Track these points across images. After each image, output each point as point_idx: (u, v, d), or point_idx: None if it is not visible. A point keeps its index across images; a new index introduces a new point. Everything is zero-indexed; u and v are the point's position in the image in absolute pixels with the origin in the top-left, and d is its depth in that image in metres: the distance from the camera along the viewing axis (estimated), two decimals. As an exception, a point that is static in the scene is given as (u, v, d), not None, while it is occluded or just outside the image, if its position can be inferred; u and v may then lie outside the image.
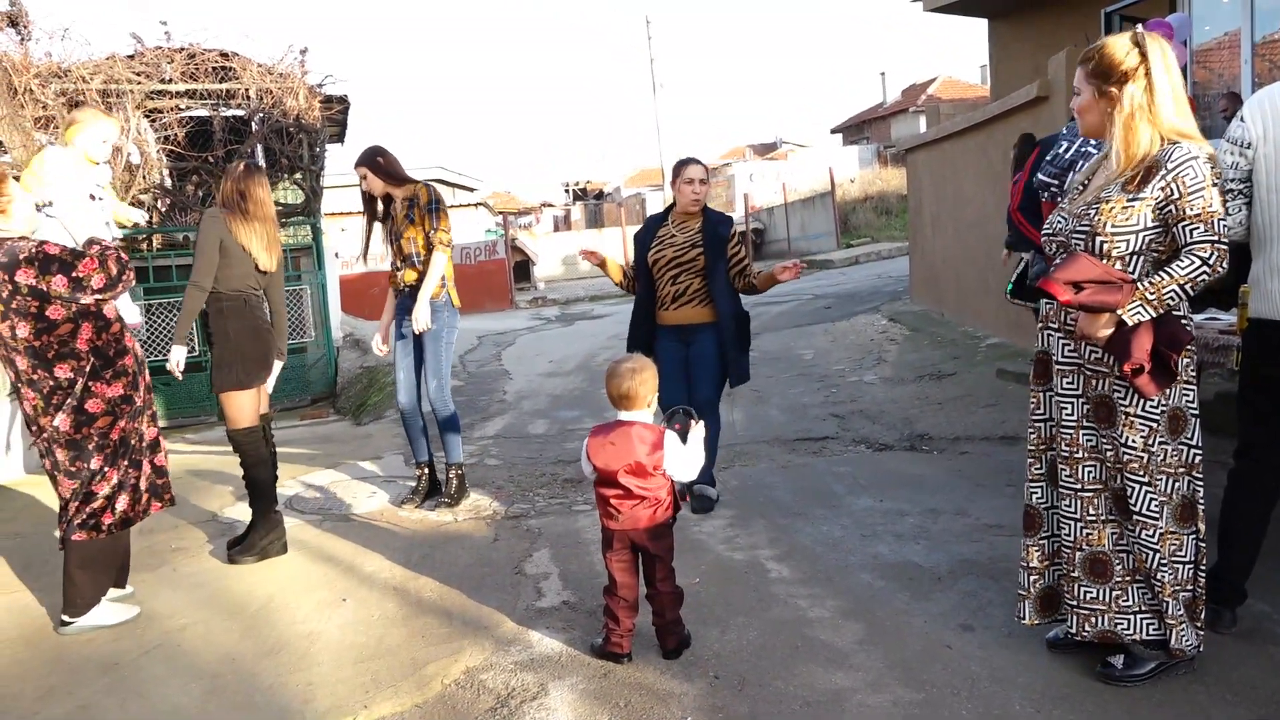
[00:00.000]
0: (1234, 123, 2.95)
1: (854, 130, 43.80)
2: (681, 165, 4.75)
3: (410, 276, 4.91)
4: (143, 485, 3.74)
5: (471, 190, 28.63)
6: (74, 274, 3.36)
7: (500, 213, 28.95)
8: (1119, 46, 2.64)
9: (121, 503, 3.63)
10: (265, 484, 4.39)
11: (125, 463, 3.62)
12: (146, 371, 3.81)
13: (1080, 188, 2.82)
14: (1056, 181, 3.73)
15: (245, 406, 4.35)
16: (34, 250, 3.34)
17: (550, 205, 46.41)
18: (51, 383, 3.44)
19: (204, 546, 4.61)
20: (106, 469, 3.55)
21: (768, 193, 32.84)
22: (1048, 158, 3.86)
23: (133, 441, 3.65)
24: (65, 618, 3.60)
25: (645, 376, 3.06)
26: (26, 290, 3.34)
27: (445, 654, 3.25)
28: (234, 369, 4.29)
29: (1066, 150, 3.71)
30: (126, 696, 3.09)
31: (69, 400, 3.45)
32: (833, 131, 45.68)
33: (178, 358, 4.33)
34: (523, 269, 24.96)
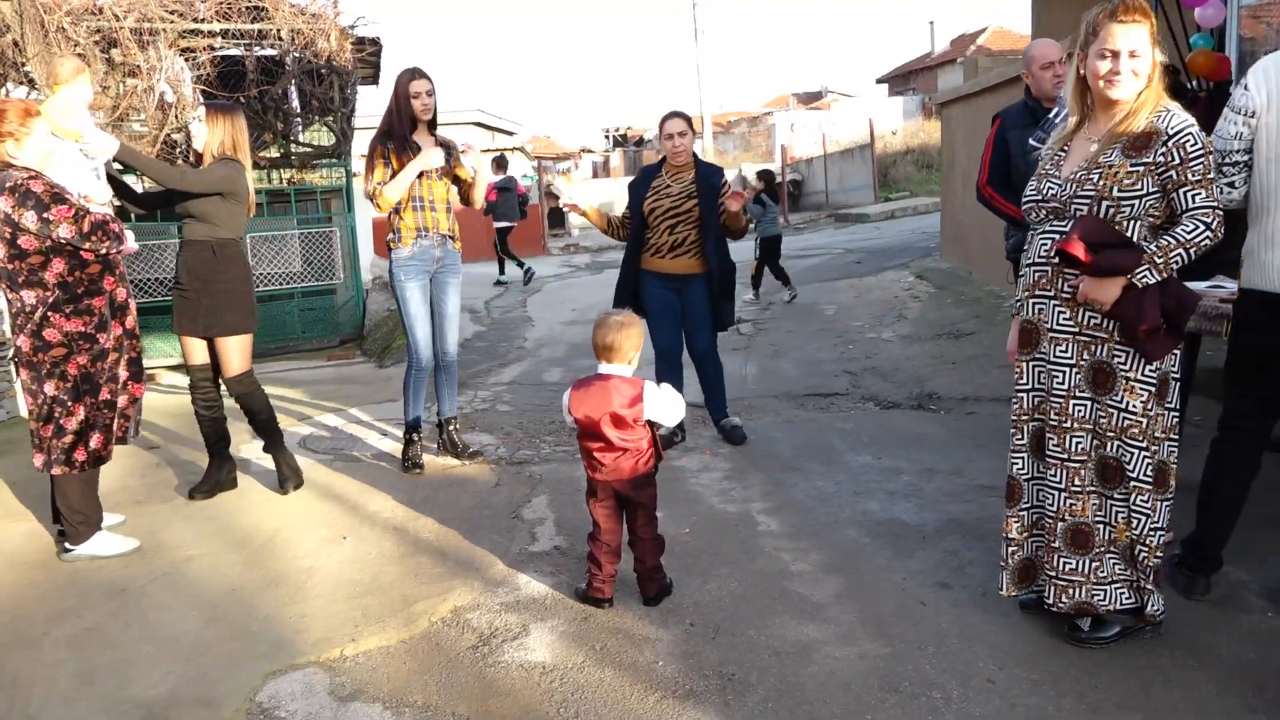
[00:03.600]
0: (1238, 91, 2.89)
1: (900, 81, 42.87)
2: (664, 120, 4.89)
3: (445, 223, 4.77)
4: (115, 426, 3.85)
5: (511, 134, 28.50)
6: (45, 215, 3.50)
7: (536, 158, 28.84)
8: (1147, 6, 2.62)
9: (94, 441, 3.74)
10: (273, 421, 4.55)
11: (92, 400, 3.72)
12: (130, 318, 3.88)
13: (1061, 154, 2.79)
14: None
15: (249, 350, 4.47)
16: (19, 181, 3.50)
17: (590, 151, 46.12)
18: (19, 304, 3.60)
19: (218, 481, 4.76)
20: (70, 403, 3.66)
21: (809, 143, 32.28)
22: (1042, 122, 3.81)
23: (100, 381, 3.74)
24: (67, 545, 3.79)
25: (631, 332, 3.11)
26: (2, 217, 3.49)
27: (435, 593, 3.37)
28: (243, 313, 4.38)
29: (1057, 115, 3.66)
30: (130, 620, 3.26)
31: (29, 324, 3.60)
32: (878, 82, 44.75)
33: (108, 146, 4.18)
34: (558, 215, 24.86)
